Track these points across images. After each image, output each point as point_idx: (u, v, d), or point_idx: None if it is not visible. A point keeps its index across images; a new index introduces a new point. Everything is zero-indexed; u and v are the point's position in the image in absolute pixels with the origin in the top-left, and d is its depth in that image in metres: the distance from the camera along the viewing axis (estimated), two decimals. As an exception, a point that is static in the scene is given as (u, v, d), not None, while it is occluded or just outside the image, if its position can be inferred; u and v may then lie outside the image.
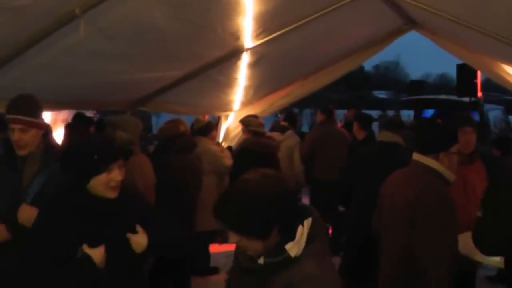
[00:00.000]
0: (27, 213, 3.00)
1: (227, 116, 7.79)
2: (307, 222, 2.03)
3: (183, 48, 4.73)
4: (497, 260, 3.23)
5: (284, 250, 1.97)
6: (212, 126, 6.86)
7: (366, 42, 6.76)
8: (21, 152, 3.11)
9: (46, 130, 3.28)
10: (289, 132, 7.53)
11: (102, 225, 2.65)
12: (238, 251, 2.16)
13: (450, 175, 3.11)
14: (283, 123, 7.76)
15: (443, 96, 17.13)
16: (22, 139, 3.06)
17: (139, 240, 2.66)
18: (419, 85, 20.78)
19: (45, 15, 3.39)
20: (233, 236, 2.02)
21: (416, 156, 3.20)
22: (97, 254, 2.56)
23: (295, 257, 1.98)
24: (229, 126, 7.74)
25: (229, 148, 7.16)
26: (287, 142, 7.35)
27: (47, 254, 2.61)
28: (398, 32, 6.83)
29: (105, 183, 2.57)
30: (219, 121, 8.03)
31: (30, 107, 3.15)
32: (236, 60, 5.76)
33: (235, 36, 4.89)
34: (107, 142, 2.65)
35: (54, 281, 2.58)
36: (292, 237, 1.99)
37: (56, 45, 3.69)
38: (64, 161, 2.67)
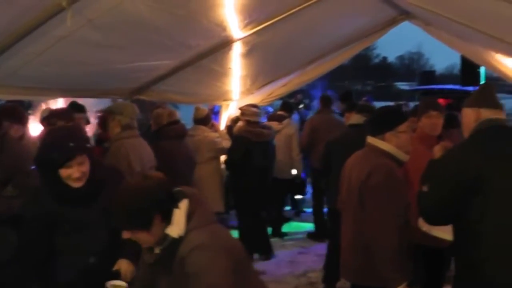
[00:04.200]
0: None
1: (227, 106, 7.99)
2: (183, 204, 2.29)
3: (171, 38, 4.92)
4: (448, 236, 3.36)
5: (167, 235, 2.24)
6: (211, 116, 7.12)
7: (361, 32, 6.89)
8: None
9: None
10: (286, 121, 7.77)
11: (79, 209, 2.94)
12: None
13: (400, 155, 3.28)
14: (280, 112, 7.99)
15: (449, 86, 17.16)
16: None
17: (126, 269, 2.97)
18: (430, 75, 20.77)
19: (34, 6, 3.57)
20: (125, 233, 2.30)
21: (368, 138, 3.40)
22: None
23: (180, 236, 2.24)
24: (230, 115, 7.93)
25: (228, 127, 7.43)
26: (286, 131, 7.62)
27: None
28: (392, 22, 6.94)
29: (66, 177, 2.85)
30: (220, 111, 8.25)
31: None
32: (228, 50, 5.94)
33: (221, 26, 5.07)
34: (64, 140, 2.86)
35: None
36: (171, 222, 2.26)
37: (48, 35, 3.90)
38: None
